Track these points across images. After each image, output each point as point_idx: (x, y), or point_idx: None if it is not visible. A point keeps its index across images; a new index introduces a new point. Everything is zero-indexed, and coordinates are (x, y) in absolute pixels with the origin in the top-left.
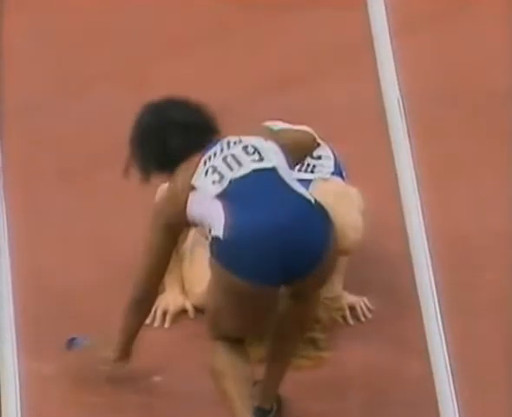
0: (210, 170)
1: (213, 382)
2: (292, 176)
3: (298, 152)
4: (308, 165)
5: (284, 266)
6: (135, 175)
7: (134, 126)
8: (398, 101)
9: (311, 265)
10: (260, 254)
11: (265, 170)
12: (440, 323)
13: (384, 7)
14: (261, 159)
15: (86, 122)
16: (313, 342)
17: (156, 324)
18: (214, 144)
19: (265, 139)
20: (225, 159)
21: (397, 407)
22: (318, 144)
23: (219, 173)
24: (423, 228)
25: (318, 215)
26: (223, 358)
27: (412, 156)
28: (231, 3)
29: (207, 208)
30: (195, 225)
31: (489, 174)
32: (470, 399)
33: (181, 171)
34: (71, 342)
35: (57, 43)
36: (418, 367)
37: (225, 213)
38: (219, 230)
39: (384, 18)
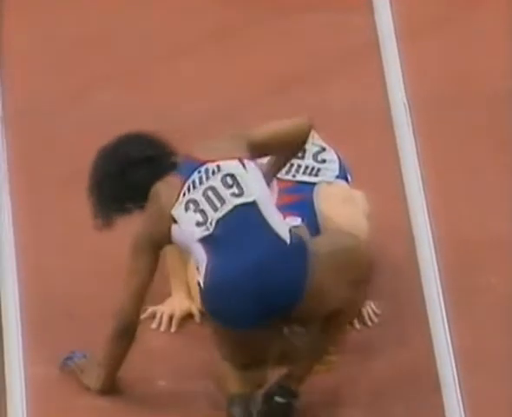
0: (191, 206)
1: (216, 389)
2: (271, 206)
3: (288, 143)
4: (313, 169)
5: (260, 308)
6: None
7: (91, 174)
8: (404, 104)
9: (289, 304)
10: (235, 301)
11: (245, 205)
12: (446, 326)
13: (389, 10)
14: (241, 193)
15: (90, 126)
16: None
17: (162, 329)
18: (191, 168)
19: (243, 160)
20: (205, 193)
21: (403, 410)
22: (310, 129)
23: (203, 212)
24: (429, 231)
25: (294, 254)
26: (230, 374)
27: (418, 159)
28: (234, 5)
29: (191, 248)
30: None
31: (495, 176)
32: (477, 400)
33: (161, 191)
34: (66, 360)
35: (61, 46)
36: (425, 371)
37: (207, 257)
38: (201, 277)
39: (390, 22)
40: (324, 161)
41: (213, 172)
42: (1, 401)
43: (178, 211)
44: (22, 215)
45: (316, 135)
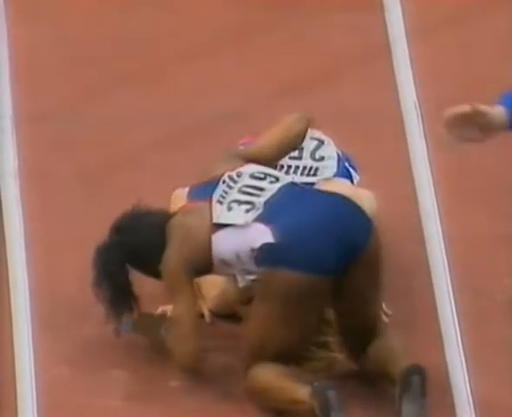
0: (234, 205)
1: (259, 401)
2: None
3: (285, 148)
4: (311, 168)
5: (339, 245)
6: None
7: (95, 275)
8: (415, 104)
9: (363, 245)
10: (317, 242)
11: (287, 185)
12: (457, 327)
13: (401, 11)
14: (277, 178)
15: (102, 127)
16: (325, 345)
17: None
18: (211, 186)
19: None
20: (240, 190)
21: None
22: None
23: (248, 202)
24: (440, 232)
25: (354, 204)
26: (265, 372)
27: (429, 160)
28: (249, 7)
29: (245, 235)
30: (219, 266)
31: (506, 177)
32: (487, 399)
33: (184, 219)
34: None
35: (73, 48)
36: (436, 372)
37: (269, 226)
38: (268, 238)
39: (401, 22)
40: (322, 158)
41: (238, 175)
42: (12, 402)
43: (221, 215)
44: (33, 216)
45: (314, 129)
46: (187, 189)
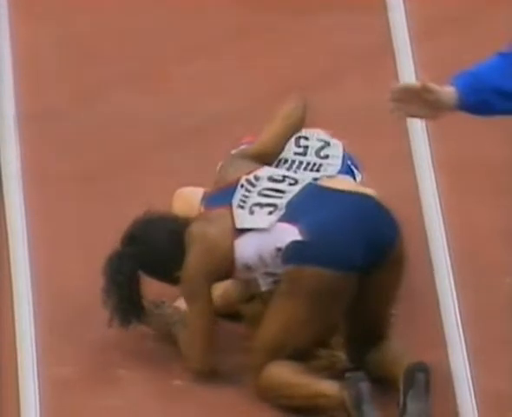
0: (256, 208)
1: (273, 399)
2: None
3: (288, 136)
4: (314, 164)
5: (367, 247)
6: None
7: (104, 282)
8: None
9: (390, 243)
10: (344, 239)
11: (310, 186)
12: (460, 325)
13: (403, 10)
14: (296, 181)
15: (103, 127)
16: (327, 344)
17: None
18: (229, 192)
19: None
20: (261, 193)
21: None
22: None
23: (270, 204)
24: (442, 229)
25: (380, 202)
26: (283, 369)
27: (431, 157)
28: (249, 7)
29: (269, 236)
30: (241, 271)
31: (509, 175)
32: (489, 394)
33: (204, 227)
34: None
35: (76, 47)
36: (439, 370)
37: (295, 225)
38: (295, 236)
39: (404, 22)
40: (326, 156)
41: (256, 178)
42: (15, 402)
43: (244, 219)
44: (36, 215)
45: (321, 131)
46: (189, 189)
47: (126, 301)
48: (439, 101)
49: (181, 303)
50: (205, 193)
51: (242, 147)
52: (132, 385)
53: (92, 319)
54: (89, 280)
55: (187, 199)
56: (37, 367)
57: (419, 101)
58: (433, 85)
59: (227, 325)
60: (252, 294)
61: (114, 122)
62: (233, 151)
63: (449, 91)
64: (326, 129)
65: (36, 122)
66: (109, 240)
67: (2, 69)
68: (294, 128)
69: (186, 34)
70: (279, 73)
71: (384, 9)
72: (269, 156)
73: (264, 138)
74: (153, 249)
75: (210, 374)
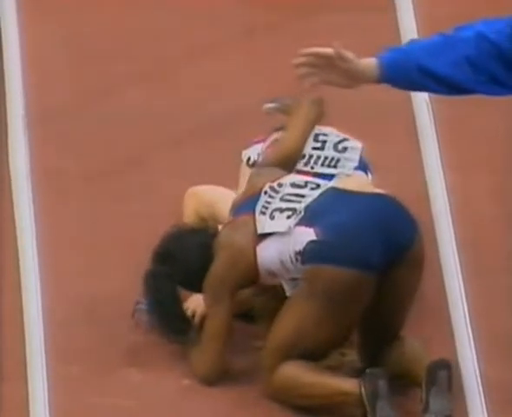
0: (276, 213)
1: (286, 398)
2: None
3: (307, 136)
4: (332, 159)
5: (385, 246)
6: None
7: (147, 301)
8: (427, 103)
9: (408, 242)
10: (362, 238)
11: (330, 189)
12: (468, 325)
13: (412, 9)
14: (318, 185)
15: (111, 126)
16: None
17: None
18: (253, 200)
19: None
20: (283, 199)
21: None
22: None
23: (289, 209)
24: (452, 230)
25: (399, 202)
26: (297, 368)
27: (441, 158)
28: (257, 6)
29: (288, 240)
30: (266, 277)
31: None
32: (497, 391)
33: (231, 234)
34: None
35: (83, 46)
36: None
37: (312, 227)
38: (311, 238)
39: (413, 21)
40: (345, 149)
41: (279, 185)
42: (24, 401)
43: (265, 225)
44: (45, 214)
45: (337, 132)
46: (202, 188)
47: (171, 317)
48: (355, 70)
49: (192, 301)
50: (234, 202)
51: (254, 146)
52: (142, 384)
53: (100, 318)
54: (99, 278)
55: (200, 197)
56: (46, 365)
57: (337, 69)
58: (348, 53)
59: (239, 324)
60: (263, 288)
61: (122, 121)
62: (244, 151)
63: (368, 62)
64: (334, 128)
65: (44, 122)
66: (120, 239)
67: (10, 69)
68: (314, 123)
69: (193, 34)
70: (287, 72)
71: (392, 8)
72: (294, 158)
73: (285, 142)
74: (185, 266)
75: (216, 378)
